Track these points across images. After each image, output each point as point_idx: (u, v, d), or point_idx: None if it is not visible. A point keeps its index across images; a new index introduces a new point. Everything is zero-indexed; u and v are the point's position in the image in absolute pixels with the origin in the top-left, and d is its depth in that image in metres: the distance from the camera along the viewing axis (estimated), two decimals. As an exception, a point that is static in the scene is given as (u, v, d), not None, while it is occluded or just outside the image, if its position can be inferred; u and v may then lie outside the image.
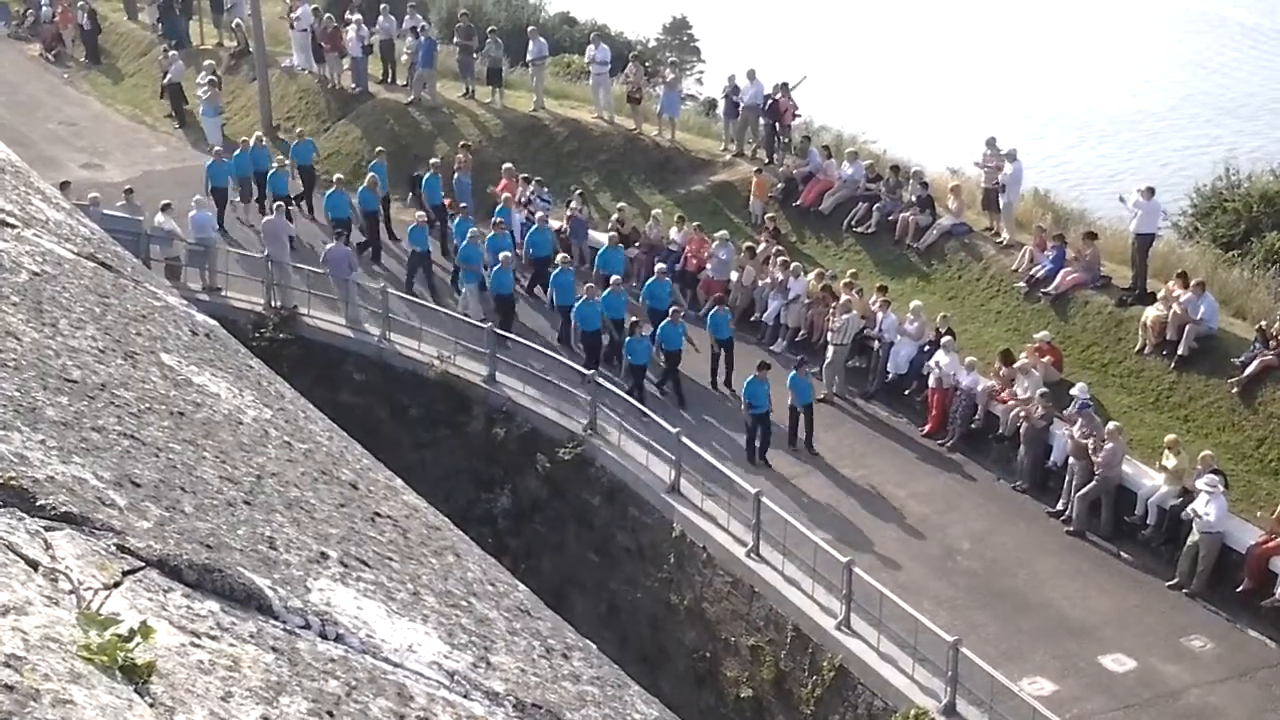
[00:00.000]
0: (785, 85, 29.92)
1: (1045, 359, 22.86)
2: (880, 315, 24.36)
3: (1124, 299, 23.98)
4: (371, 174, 29.02)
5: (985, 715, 16.70)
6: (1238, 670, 18.04)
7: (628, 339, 23.67)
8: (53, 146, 34.16)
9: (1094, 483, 20.53)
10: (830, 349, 24.23)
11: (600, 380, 22.94)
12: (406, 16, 34.55)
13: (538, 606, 2.74)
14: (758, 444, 22.38)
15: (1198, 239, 29.87)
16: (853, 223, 28.11)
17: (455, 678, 2.13)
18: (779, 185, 29.27)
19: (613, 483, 22.32)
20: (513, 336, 24.86)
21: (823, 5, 76.71)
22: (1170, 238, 28.59)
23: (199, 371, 2.98)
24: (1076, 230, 26.12)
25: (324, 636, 2.05)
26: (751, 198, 29.13)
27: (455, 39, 34.55)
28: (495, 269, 25.50)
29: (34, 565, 1.84)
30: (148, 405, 2.57)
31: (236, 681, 1.80)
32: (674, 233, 27.82)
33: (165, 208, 27.20)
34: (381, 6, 34.78)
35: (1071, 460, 20.95)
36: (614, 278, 24.95)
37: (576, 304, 24.53)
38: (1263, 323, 22.09)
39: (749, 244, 27.13)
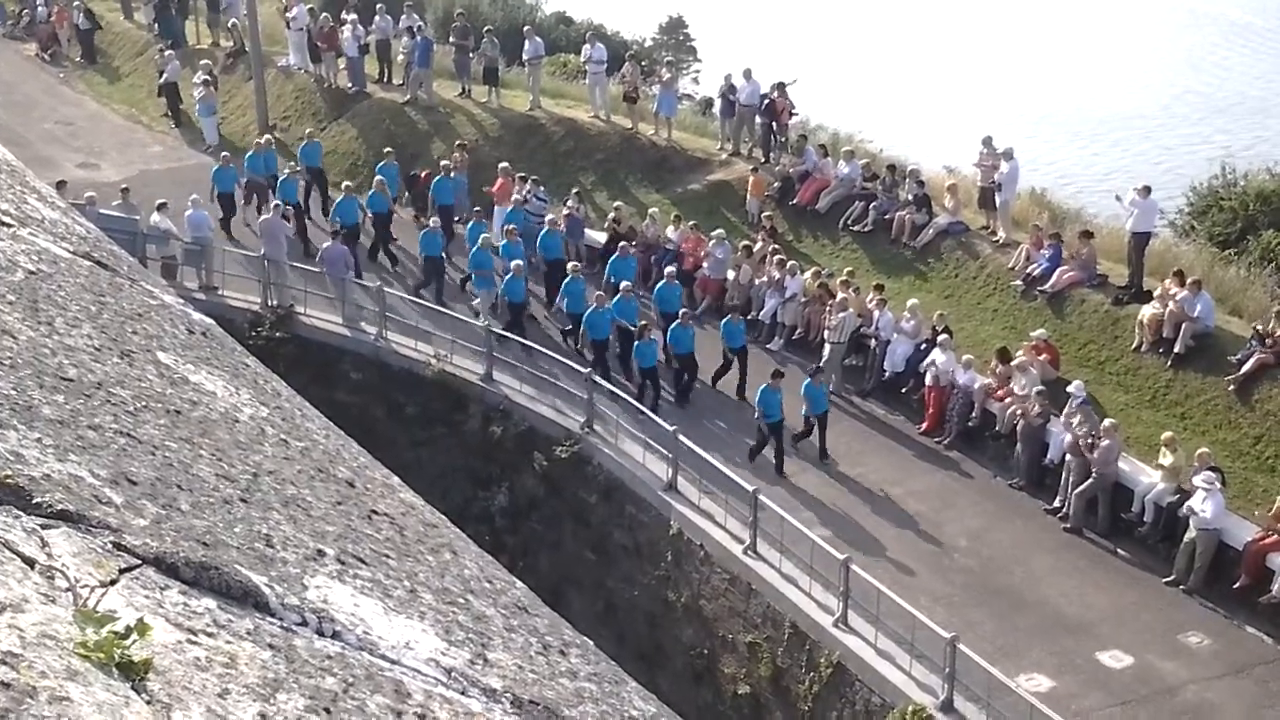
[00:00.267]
0: (782, 85, 29.91)
1: (1042, 357, 22.87)
2: (877, 313, 24.36)
3: (1120, 297, 24.00)
4: (380, 177, 28.83)
5: (983, 712, 16.72)
6: (1235, 667, 18.06)
7: (636, 342, 23.52)
8: (49, 146, 34.13)
9: (1091, 480, 20.55)
10: (827, 347, 24.23)
11: (597, 378, 22.93)
12: (403, 16, 34.54)
13: (535, 604, 2.74)
14: (771, 455, 22.13)
15: (1194, 237, 29.89)
16: (849, 221, 28.11)
17: (452, 674, 2.13)
18: (775, 184, 29.26)
19: (610, 481, 22.32)
20: (510, 335, 24.84)
21: (818, 5, 76.70)
22: (1166, 236, 28.62)
23: (195, 370, 2.98)
24: (1073, 229, 26.12)
25: (321, 633, 2.06)
26: (748, 197, 29.13)
27: (451, 38, 34.54)
28: (508, 277, 25.31)
29: (30, 563, 1.84)
30: (144, 403, 2.57)
31: (233, 678, 1.80)
32: (671, 232, 27.81)
33: (161, 207, 27.17)
34: (378, 6, 34.75)
35: (1068, 457, 20.96)
36: (624, 284, 24.77)
37: (586, 312, 24.29)
38: (1258, 322, 22.10)
39: (746, 243, 27.14)
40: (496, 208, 28.50)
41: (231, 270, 26.98)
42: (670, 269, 25.74)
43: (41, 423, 2.23)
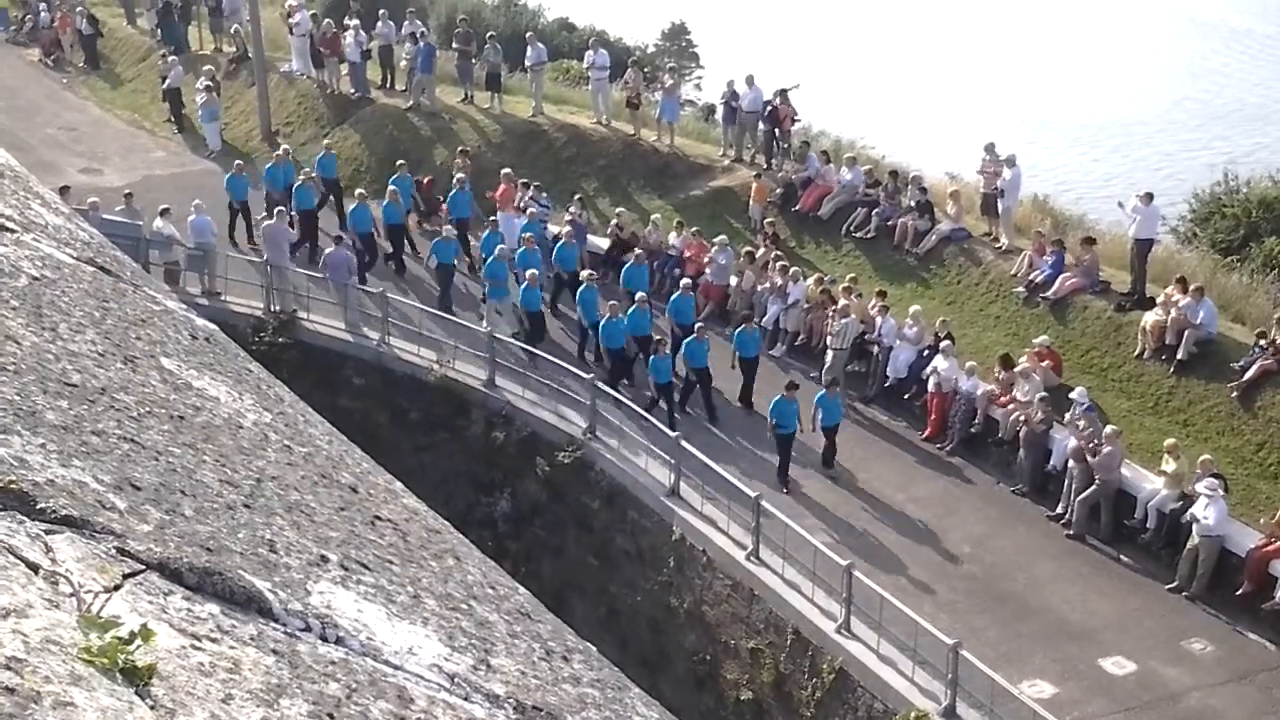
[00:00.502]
0: (784, 91, 29.93)
1: (1044, 363, 22.86)
2: (879, 320, 24.36)
3: (1123, 304, 23.99)
4: (393, 187, 28.76)
5: (985, 718, 16.70)
6: (1238, 673, 18.04)
7: (651, 357, 23.30)
8: (52, 151, 34.17)
9: (1094, 487, 20.53)
10: (829, 353, 24.21)
11: (600, 385, 22.93)
12: (405, 22, 34.57)
13: (538, 609, 2.74)
14: (777, 464, 21.99)
15: (1197, 244, 29.90)
16: (851, 228, 28.12)
17: (456, 680, 2.13)
18: (778, 190, 29.28)
19: (612, 486, 22.31)
20: (513, 342, 24.83)
21: (821, 11, 76.77)
22: (1169, 243, 28.61)
23: (199, 375, 2.99)
24: (1075, 235, 26.13)
25: (324, 639, 2.06)
26: (751, 203, 29.14)
27: (454, 44, 34.57)
28: (524, 286, 25.16)
29: (35, 568, 1.84)
30: (147, 409, 2.57)
31: (237, 684, 1.81)
32: (673, 238, 27.82)
33: (164, 212, 27.18)
34: (380, 12, 34.79)
35: (1071, 464, 20.95)
36: (639, 295, 24.57)
37: (601, 322, 24.10)
38: (1261, 329, 22.09)
39: (748, 249, 27.14)
40: (499, 213, 28.50)
41: (234, 276, 26.98)
42: (686, 281, 25.55)
43: (45, 428, 2.23)
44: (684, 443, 21.23)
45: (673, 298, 25.22)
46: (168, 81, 36.10)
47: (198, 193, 29.17)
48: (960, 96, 62.70)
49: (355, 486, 2.88)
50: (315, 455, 2.94)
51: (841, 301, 24.41)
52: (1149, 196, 24.12)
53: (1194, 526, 19.23)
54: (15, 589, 1.77)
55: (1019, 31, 75.26)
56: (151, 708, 1.68)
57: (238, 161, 30.71)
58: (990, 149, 26.97)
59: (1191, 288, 22.54)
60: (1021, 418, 21.85)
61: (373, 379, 25.50)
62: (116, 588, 1.88)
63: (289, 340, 25.77)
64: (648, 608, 21.81)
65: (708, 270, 26.77)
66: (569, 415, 23.36)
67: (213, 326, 3.60)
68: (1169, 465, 20.13)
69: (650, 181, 31.25)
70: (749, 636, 19.94)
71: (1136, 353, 23.16)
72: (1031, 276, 25.10)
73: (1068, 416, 21.43)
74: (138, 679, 1.72)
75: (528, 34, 35.25)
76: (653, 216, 28.77)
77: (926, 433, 23.30)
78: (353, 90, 35.03)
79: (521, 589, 2.84)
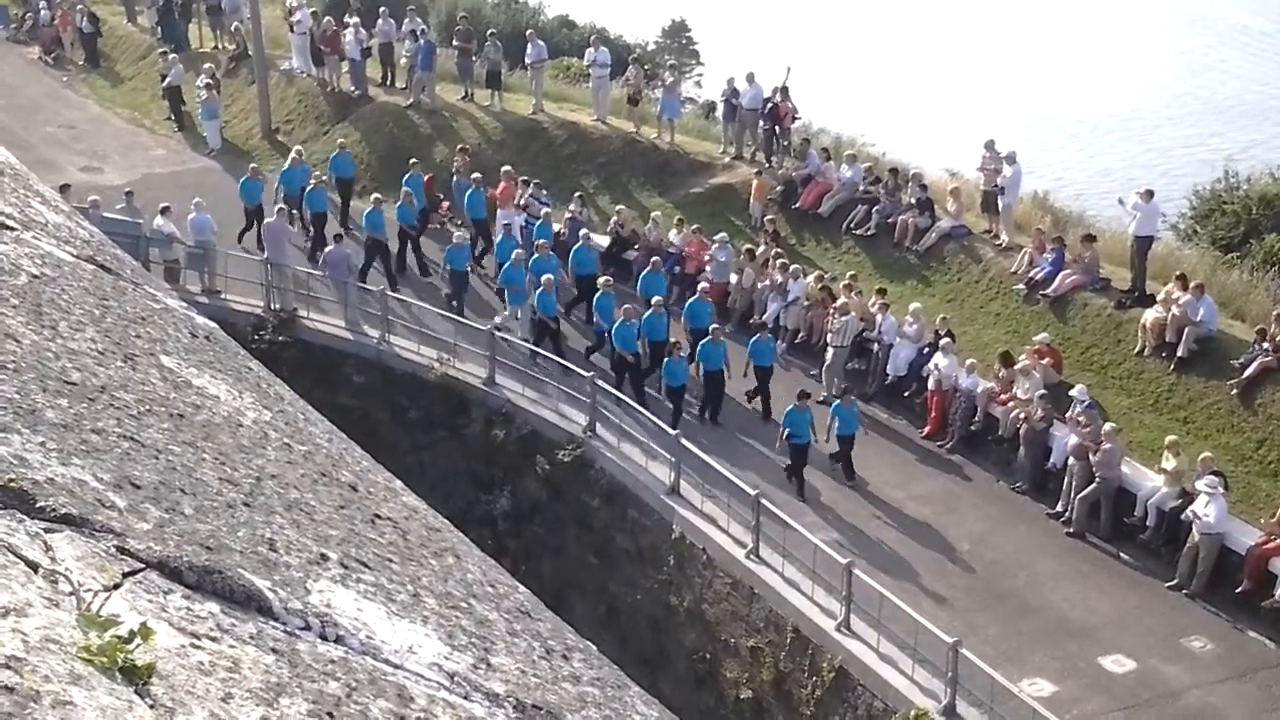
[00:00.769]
0: (785, 89, 29.90)
1: (1045, 361, 22.86)
2: (879, 317, 24.36)
3: (1123, 301, 23.99)
4: (407, 189, 28.65)
5: (985, 716, 16.70)
6: (1237, 671, 18.05)
7: (666, 360, 23.15)
8: (52, 149, 34.17)
9: (1094, 484, 20.54)
10: (829, 351, 24.22)
11: (600, 382, 22.92)
12: (405, 19, 34.56)
13: (538, 608, 2.74)
14: (789, 472, 21.79)
15: (1197, 241, 29.92)
16: (852, 225, 28.11)
17: (455, 679, 2.13)
18: (778, 188, 29.28)
19: (612, 484, 22.31)
20: (517, 340, 24.82)
21: (821, 8, 76.76)
22: (1169, 240, 28.63)
23: (199, 374, 2.99)
24: (1075, 232, 26.13)
25: (324, 638, 2.06)
26: (751, 200, 29.14)
27: (454, 42, 34.57)
28: (539, 292, 24.98)
29: (34, 567, 1.84)
30: (147, 407, 2.57)
31: (237, 683, 1.80)
32: (674, 235, 27.81)
33: (164, 210, 27.18)
34: (380, 9, 34.78)
35: (1071, 461, 20.95)
36: (655, 299, 24.41)
37: (614, 326, 23.86)
38: (1262, 326, 22.08)
39: (748, 246, 27.13)
40: (500, 211, 28.49)
41: (234, 274, 26.97)
42: (703, 285, 25.39)
43: (45, 426, 2.23)
44: (684, 441, 21.23)
45: (689, 302, 25.04)
46: (168, 79, 36.10)
47: (198, 191, 29.17)
48: (960, 93, 62.71)
49: (355, 485, 2.88)
50: (315, 453, 2.94)
51: (841, 299, 24.41)
52: (1149, 193, 24.11)
53: (1194, 524, 19.24)
54: (15, 588, 1.77)
55: (1018, 29, 75.25)
56: (151, 707, 1.68)
57: (252, 165, 30.60)
58: (990, 146, 26.96)
59: (1192, 285, 22.54)
60: (1021, 415, 21.85)
61: (373, 377, 25.50)
62: (116, 586, 1.88)
63: (289, 338, 25.78)
64: (648, 606, 21.81)
65: (708, 268, 26.76)
66: (569, 413, 23.36)
67: (213, 324, 3.59)
68: (1169, 463, 20.14)
69: (650, 179, 31.25)
70: (749, 635, 19.94)
71: (1137, 350, 23.16)
72: (1032, 274, 25.10)
73: (1068, 414, 21.43)
74: (137, 678, 1.72)
75: (528, 31, 35.22)
76: (653, 214, 28.76)
77: (926, 430, 23.31)
78: (353, 88, 35.03)
79: (521, 587, 2.84)
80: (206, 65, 35.92)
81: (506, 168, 29.64)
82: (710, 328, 23.56)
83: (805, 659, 18.91)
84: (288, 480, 2.63)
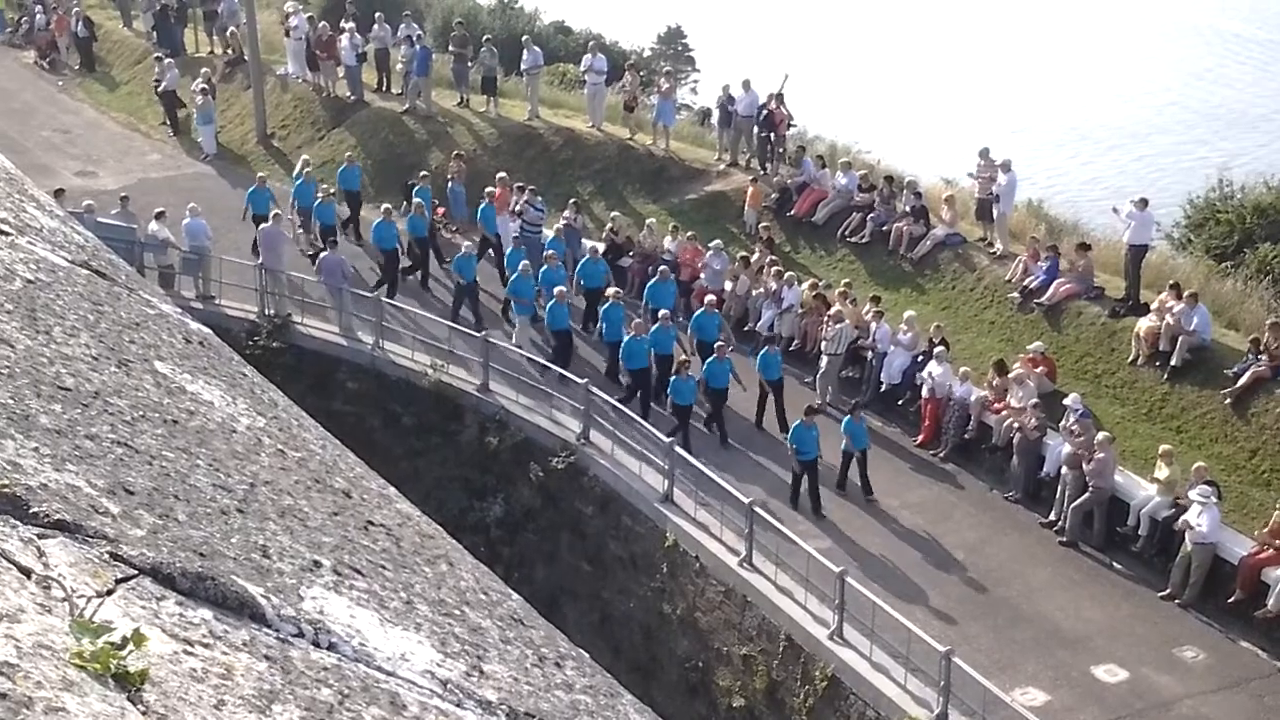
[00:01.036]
0: (781, 96, 29.92)
1: (1039, 369, 22.87)
2: (874, 325, 24.36)
3: (1117, 310, 24.01)
4: (418, 200, 28.56)
5: (978, 726, 16.70)
6: (1229, 681, 18.05)
7: (673, 378, 22.91)
8: (47, 154, 34.14)
9: (1087, 493, 20.55)
10: (823, 359, 24.22)
11: (594, 390, 22.90)
12: (401, 25, 34.58)
13: (530, 615, 2.74)
14: (805, 491, 21.52)
15: (1191, 250, 29.95)
16: (846, 233, 28.13)
17: (448, 686, 2.13)
18: (773, 195, 29.29)
19: (605, 492, 22.30)
20: (521, 351, 24.77)
21: (817, 16, 76.88)
22: (1163, 249, 28.66)
23: (193, 379, 2.99)
24: (1070, 241, 26.15)
25: (317, 645, 2.06)
26: (746, 207, 29.15)
27: (450, 48, 34.58)
28: (550, 304, 24.75)
29: (27, 573, 1.84)
30: (141, 413, 2.57)
31: (229, 690, 1.80)
32: (668, 242, 27.79)
33: (159, 215, 27.15)
34: (376, 15, 34.81)
35: (1064, 471, 20.96)
36: (662, 312, 24.17)
37: (624, 340, 23.69)
38: (1255, 335, 22.11)
39: (743, 253, 27.13)
40: (496, 217, 28.48)
41: (229, 279, 26.95)
42: (711, 298, 25.18)
43: (39, 432, 2.23)
44: (677, 448, 21.23)
45: (695, 314, 24.80)
46: (163, 84, 36.06)
47: (193, 196, 29.15)
48: (956, 101, 62.80)
49: (348, 491, 2.88)
50: (309, 460, 2.94)
51: (836, 307, 24.42)
52: (1143, 202, 24.15)
53: (1187, 534, 19.24)
54: (8, 594, 1.77)
55: (1013, 37, 75.38)
56: (143, 713, 1.68)
57: (260, 175, 30.53)
58: (985, 154, 26.98)
59: (1185, 294, 22.56)
60: (1015, 424, 21.86)
61: (367, 383, 25.48)
62: (109, 592, 1.88)
63: (283, 344, 25.75)
64: (640, 614, 21.79)
65: (702, 275, 26.76)
66: (563, 420, 23.35)
67: (207, 330, 3.59)
68: (1162, 472, 20.15)
69: (645, 185, 31.26)
70: (742, 643, 19.93)
71: (1130, 359, 23.18)
72: (1026, 282, 25.12)
73: (1062, 423, 21.44)
74: (130, 684, 1.71)
75: (524, 37, 35.23)
76: (647, 221, 28.77)
77: (920, 439, 23.31)
78: (348, 93, 35.03)
79: (514, 595, 2.84)
80: (202, 70, 35.92)
81: (502, 174, 29.64)
82: (715, 345, 23.13)
83: (798, 667, 18.90)
84: (281, 486, 2.63)
